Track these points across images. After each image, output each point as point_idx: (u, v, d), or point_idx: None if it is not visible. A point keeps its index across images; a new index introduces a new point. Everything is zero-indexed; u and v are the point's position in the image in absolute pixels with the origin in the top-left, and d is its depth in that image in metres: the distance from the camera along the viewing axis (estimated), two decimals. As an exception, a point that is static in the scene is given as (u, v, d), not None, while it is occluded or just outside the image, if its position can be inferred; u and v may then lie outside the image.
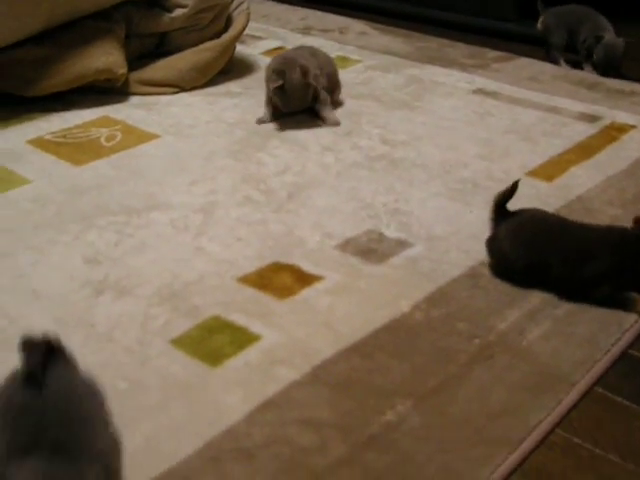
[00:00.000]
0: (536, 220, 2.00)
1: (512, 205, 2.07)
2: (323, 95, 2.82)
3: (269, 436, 1.52)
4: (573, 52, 3.47)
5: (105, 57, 2.95)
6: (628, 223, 2.09)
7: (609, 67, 3.32)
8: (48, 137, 2.72)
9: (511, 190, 1.99)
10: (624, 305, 1.90)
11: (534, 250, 1.94)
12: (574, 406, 1.64)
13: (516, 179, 2.01)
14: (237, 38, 3.26)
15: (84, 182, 2.43)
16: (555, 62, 3.47)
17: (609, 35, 3.33)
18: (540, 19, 3.53)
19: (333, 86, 2.94)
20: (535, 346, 1.78)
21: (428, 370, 1.70)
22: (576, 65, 3.44)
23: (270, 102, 2.82)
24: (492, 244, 2.01)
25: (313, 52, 2.93)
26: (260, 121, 2.82)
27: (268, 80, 2.80)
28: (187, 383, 1.65)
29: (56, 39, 2.95)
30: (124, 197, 2.34)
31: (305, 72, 2.72)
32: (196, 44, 3.18)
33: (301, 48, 2.99)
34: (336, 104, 2.95)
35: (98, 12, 3.05)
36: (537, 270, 1.93)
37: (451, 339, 1.79)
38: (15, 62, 2.88)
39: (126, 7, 3.13)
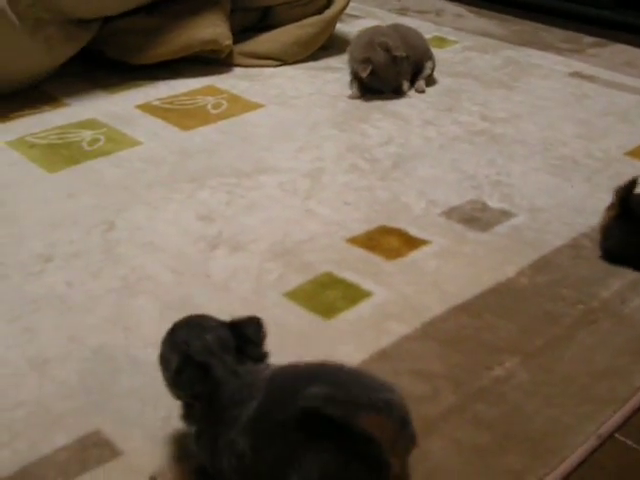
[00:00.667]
0: None
1: (612, 184, 2.10)
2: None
3: (383, 384, 1.59)
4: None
5: (212, 29, 3.03)
6: None
7: None
8: (156, 103, 2.81)
9: (632, 183, 1.99)
10: None
11: None
12: (676, 371, 1.68)
13: (636, 177, 1.99)
14: (338, 15, 3.33)
15: (193, 146, 2.51)
16: None
17: None
18: None
19: (422, 57, 3.00)
20: (637, 314, 1.82)
21: (534, 330, 1.76)
22: None
23: (356, 79, 2.90)
24: (608, 230, 2.01)
25: (394, 27, 3.01)
26: (352, 97, 2.88)
27: (353, 61, 2.88)
28: (302, 332, 1.72)
29: (165, 10, 3.05)
30: (233, 160, 2.42)
31: (387, 48, 2.78)
32: (299, 19, 3.25)
33: (379, 26, 3.04)
34: (428, 79, 3.02)
35: (206, -15, 3.14)
36: None
37: (556, 303, 1.85)
38: (125, 31, 2.98)
39: (233, -19, 3.22)
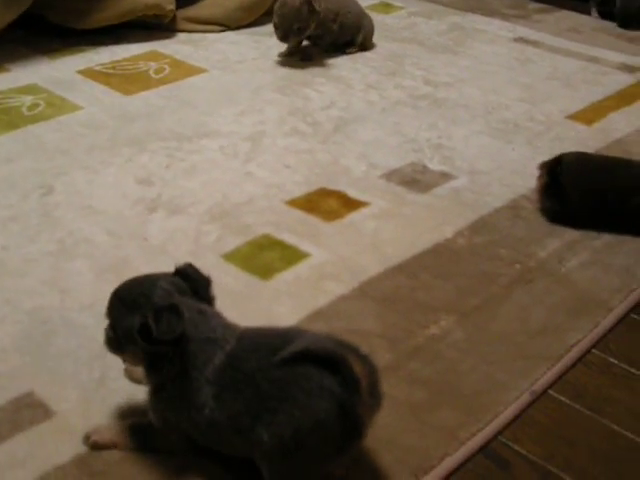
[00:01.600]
0: (590, 164, 2.06)
1: (553, 147, 2.13)
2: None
3: (318, 343, 1.59)
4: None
5: (156, -6, 3.01)
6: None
7: (628, 18, 3.34)
8: (98, 68, 2.79)
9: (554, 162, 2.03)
10: None
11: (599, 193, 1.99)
12: (610, 329, 1.70)
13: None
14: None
15: (135, 110, 2.49)
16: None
17: None
18: None
19: (352, 26, 2.98)
20: (574, 274, 1.84)
21: (470, 290, 1.77)
22: (606, 17, 3.48)
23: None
24: (549, 190, 2.03)
25: None
26: (282, 55, 2.89)
27: None
28: (239, 293, 1.72)
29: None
30: (174, 125, 2.40)
31: None
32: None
33: None
34: (361, 46, 3.00)
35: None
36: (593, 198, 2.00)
37: (493, 263, 1.86)
38: (67, -5, 2.95)
39: (177, -55, 3.19)
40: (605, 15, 3.46)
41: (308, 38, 2.85)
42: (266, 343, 1.26)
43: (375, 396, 1.26)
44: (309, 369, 1.20)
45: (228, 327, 1.31)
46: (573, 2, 3.63)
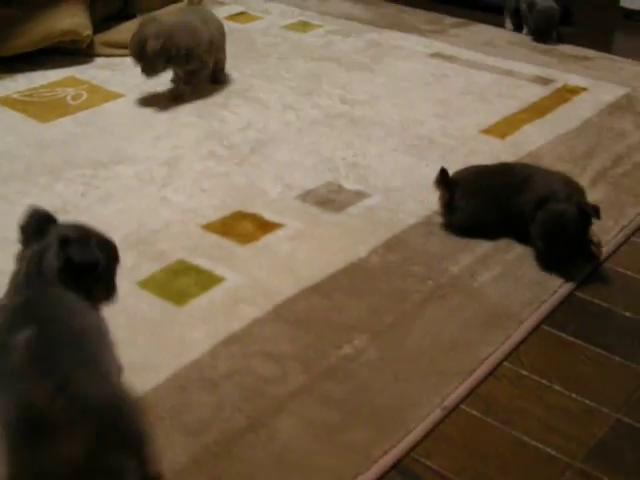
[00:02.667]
0: (491, 173, 2.13)
1: (467, 161, 2.18)
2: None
3: (233, 367, 1.61)
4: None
5: (70, 19, 3.01)
6: (578, 177, 2.22)
7: (543, 32, 3.41)
8: (15, 96, 2.78)
9: (442, 175, 2.08)
10: None
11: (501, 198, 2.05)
12: (522, 342, 1.74)
13: (442, 167, 2.08)
14: (200, 2, 3.31)
15: (51, 138, 2.49)
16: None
17: (543, 1, 3.40)
18: None
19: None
20: (486, 287, 1.88)
21: (384, 308, 1.79)
22: (519, 28, 3.55)
23: None
24: (450, 204, 2.08)
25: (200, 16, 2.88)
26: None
27: None
28: (154, 320, 1.73)
29: (23, 0, 3.00)
30: (90, 152, 2.40)
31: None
32: (159, 7, 3.25)
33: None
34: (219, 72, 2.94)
35: (64, -25, 3.10)
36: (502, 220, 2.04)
37: (406, 281, 1.88)
38: (-19, 23, 2.93)
39: (91, -30, 3.19)
40: (519, 26, 3.52)
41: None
42: None
43: None
44: None
45: None
46: (488, 15, 3.68)
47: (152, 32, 2.64)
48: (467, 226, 2.06)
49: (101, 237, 1.44)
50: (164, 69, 2.73)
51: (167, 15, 2.92)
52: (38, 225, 1.41)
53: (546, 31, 3.41)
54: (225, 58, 2.91)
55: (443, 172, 2.06)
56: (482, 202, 2.05)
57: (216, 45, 2.82)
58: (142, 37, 2.65)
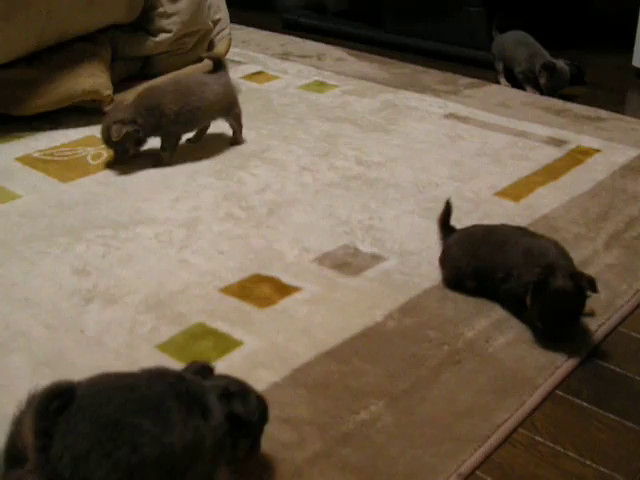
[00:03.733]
0: (479, 228, 2.18)
1: (481, 223, 2.22)
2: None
3: (251, 433, 1.63)
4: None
5: (92, 79, 3.06)
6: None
7: (560, 89, 3.51)
8: (36, 155, 2.83)
9: (446, 209, 2.17)
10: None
11: (472, 252, 2.09)
12: (536, 407, 1.75)
13: (447, 198, 2.17)
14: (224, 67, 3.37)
15: (72, 198, 2.53)
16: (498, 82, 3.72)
17: (555, 61, 3.51)
18: None
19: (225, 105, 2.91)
20: (500, 352, 1.90)
21: (400, 373, 1.81)
22: (518, 85, 3.65)
23: None
24: (444, 258, 2.15)
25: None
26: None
27: None
28: (173, 384, 1.75)
29: (45, 60, 3.06)
30: (111, 212, 2.44)
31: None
32: (179, 68, 3.30)
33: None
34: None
35: (85, 35, 3.16)
36: (476, 271, 2.07)
37: (422, 345, 1.91)
38: (5, 82, 2.98)
39: (112, 31, 3.26)
40: (517, 84, 3.64)
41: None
42: None
43: None
44: None
45: None
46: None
47: (114, 119, 2.70)
48: (451, 280, 2.13)
49: (258, 394, 1.51)
50: (136, 150, 2.78)
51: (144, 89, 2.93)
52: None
53: (560, 89, 3.50)
54: (238, 119, 2.95)
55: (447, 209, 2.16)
56: (463, 259, 2.10)
57: (220, 106, 2.86)
58: (106, 125, 2.72)
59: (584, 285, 1.91)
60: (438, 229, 2.18)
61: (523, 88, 3.60)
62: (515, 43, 3.65)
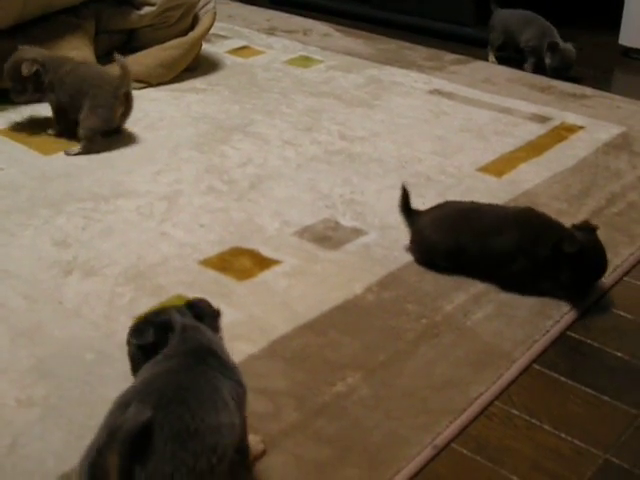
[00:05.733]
0: (452, 208, 2.16)
1: (462, 198, 2.22)
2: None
3: (227, 403, 1.63)
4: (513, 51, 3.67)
5: (75, 52, 3.04)
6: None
7: (563, 71, 3.47)
8: (18, 127, 2.81)
9: (404, 194, 2.14)
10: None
11: (451, 233, 2.08)
12: (513, 381, 1.76)
13: (402, 183, 2.15)
14: (203, 36, 3.37)
15: (53, 170, 2.52)
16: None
17: (562, 42, 3.47)
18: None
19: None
20: (478, 326, 1.90)
21: (377, 346, 1.82)
22: (503, 62, 3.64)
23: None
24: (414, 239, 2.14)
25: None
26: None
27: None
28: (151, 355, 1.75)
29: (27, 33, 3.04)
30: (92, 185, 2.44)
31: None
32: (163, 41, 3.28)
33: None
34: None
35: (69, 8, 3.15)
36: (456, 254, 2.07)
37: (400, 319, 1.91)
38: (-13, 55, 2.97)
39: (96, 4, 3.25)
40: (503, 60, 3.62)
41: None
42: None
43: None
44: None
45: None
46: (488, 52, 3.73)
47: (27, 57, 2.70)
48: (423, 259, 2.13)
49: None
50: (31, 97, 2.78)
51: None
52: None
53: (566, 70, 3.49)
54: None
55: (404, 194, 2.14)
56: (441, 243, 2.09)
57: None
58: (16, 59, 2.71)
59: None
60: (401, 215, 2.15)
61: (517, 64, 3.59)
62: (525, 20, 3.61)
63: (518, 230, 2.02)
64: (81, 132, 2.67)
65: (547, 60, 3.49)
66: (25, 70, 2.67)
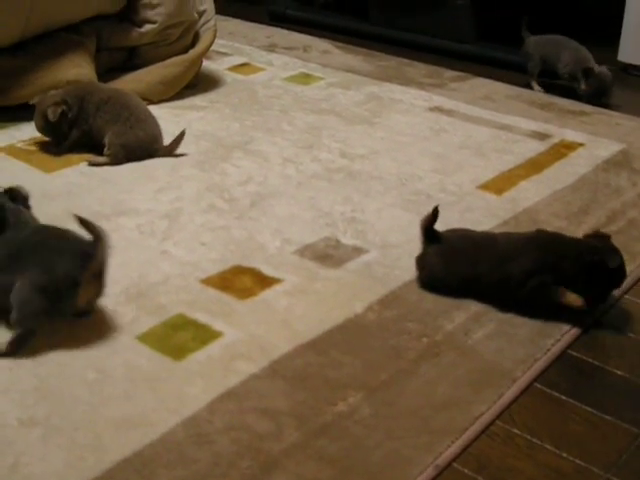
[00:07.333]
0: (464, 238, 2.15)
1: (463, 217, 2.22)
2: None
3: (228, 423, 1.63)
4: (552, 77, 3.62)
5: (76, 69, 3.05)
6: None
7: (599, 97, 3.46)
8: (19, 145, 2.81)
9: (433, 214, 2.11)
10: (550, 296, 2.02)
11: (465, 265, 2.07)
12: (514, 400, 1.76)
13: (436, 206, 2.12)
14: (203, 54, 3.38)
15: (54, 188, 2.53)
16: (529, 86, 3.62)
17: (597, 66, 3.46)
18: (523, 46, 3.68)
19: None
20: (479, 345, 1.90)
21: (378, 365, 1.82)
22: (549, 89, 3.59)
23: None
24: (422, 260, 2.12)
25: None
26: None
27: None
28: (152, 375, 1.75)
29: (29, 50, 3.05)
30: (93, 203, 2.44)
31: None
32: (164, 59, 3.29)
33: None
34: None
35: (70, 26, 3.15)
36: (471, 283, 2.06)
37: (401, 338, 1.91)
38: (-12, 72, 2.97)
39: (97, 22, 3.25)
40: (548, 88, 3.60)
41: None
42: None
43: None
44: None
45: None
46: (488, 69, 3.74)
47: (47, 104, 2.70)
48: (427, 284, 2.11)
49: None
50: (73, 137, 2.78)
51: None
52: None
53: (603, 95, 3.47)
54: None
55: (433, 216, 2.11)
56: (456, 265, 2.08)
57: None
58: (40, 111, 2.72)
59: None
60: (420, 231, 2.13)
61: (562, 89, 3.56)
62: (559, 45, 3.58)
63: (538, 250, 2.02)
64: (112, 148, 2.72)
65: (582, 86, 3.46)
66: (51, 115, 2.68)
